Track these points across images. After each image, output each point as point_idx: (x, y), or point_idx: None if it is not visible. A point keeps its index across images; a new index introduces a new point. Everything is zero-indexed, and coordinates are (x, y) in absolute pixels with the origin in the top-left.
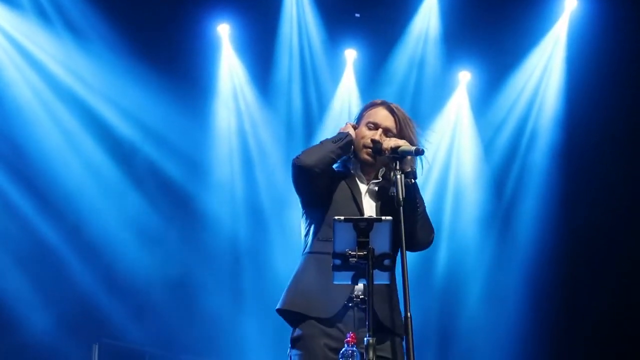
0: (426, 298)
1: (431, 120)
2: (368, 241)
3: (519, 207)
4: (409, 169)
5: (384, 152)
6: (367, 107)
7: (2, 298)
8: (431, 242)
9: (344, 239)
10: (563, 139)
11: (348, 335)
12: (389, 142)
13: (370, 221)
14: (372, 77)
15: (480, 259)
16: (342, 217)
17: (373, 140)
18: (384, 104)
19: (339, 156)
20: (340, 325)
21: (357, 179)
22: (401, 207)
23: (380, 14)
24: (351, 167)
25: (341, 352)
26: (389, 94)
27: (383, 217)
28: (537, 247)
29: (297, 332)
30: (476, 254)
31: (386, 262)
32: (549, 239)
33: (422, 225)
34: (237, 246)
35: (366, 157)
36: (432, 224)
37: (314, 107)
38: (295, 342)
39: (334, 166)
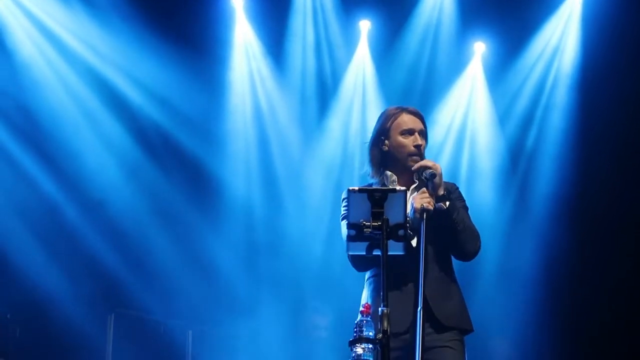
0: None
1: (446, 91)
2: (382, 212)
3: (534, 177)
4: (442, 193)
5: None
6: (388, 117)
7: (19, 269)
8: (479, 248)
9: (359, 210)
10: (579, 108)
11: (362, 305)
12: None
13: (385, 192)
14: (386, 48)
15: (495, 229)
16: (357, 188)
17: (417, 146)
18: (403, 109)
19: None
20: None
21: None
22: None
23: None
24: (387, 182)
25: (356, 322)
26: (403, 65)
27: (397, 188)
28: (552, 217)
29: None
30: (491, 225)
31: (400, 232)
32: (565, 209)
33: (465, 238)
34: (252, 216)
35: (414, 164)
36: (477, 232)
37: (328, 77)
38: None
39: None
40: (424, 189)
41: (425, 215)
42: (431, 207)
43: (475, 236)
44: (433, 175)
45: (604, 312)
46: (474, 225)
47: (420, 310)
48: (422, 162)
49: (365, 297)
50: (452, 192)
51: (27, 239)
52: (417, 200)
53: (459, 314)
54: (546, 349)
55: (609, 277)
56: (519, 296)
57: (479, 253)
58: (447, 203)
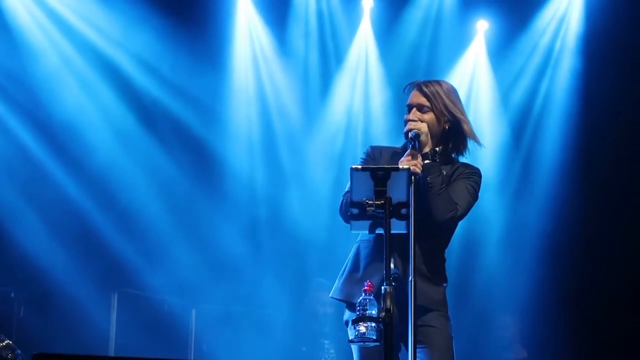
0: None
1: (448, 70)
2: (385, 190)
3: (536, 157)
4: (426, 151)
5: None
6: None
7: (23, 249)
8: (448, 219)
9: (362, 188)
10: (582, 87)
11: (365, 284)
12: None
13: (388, 170)
14: (389, 26)
15: (496, 211)
16: (360, 166)
17: (406, 121)
18: (417, 84)
19: None
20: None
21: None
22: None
23: None
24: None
25: (358, 301)
26: (405, 43)
27: (401, 166)
28: (554, 199)
29: (345, 315)
30: (493, 207)
31: (403, 211)
32: (567, 190)
33: (437, 204)
34: (255, 194)
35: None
36: (454, 204)
37: (331, 56)
38: (345, 325)
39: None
40: (409, 150)
41: (413, 178)
42: (418, 170)
43: (448, 206)
44: (417, 135)
45: (611, 280)
46: (460, 200)
47: (410, 281)
48: (406, 127)
49: (348, 260)
50: (464, 171)
51: (31, 217)
52: (403, 163)
53: (429, 295)
54: (553, 318)
55: (616, 244)
56: (525, 268)
57: (486, 234)
58: (426, 161)
